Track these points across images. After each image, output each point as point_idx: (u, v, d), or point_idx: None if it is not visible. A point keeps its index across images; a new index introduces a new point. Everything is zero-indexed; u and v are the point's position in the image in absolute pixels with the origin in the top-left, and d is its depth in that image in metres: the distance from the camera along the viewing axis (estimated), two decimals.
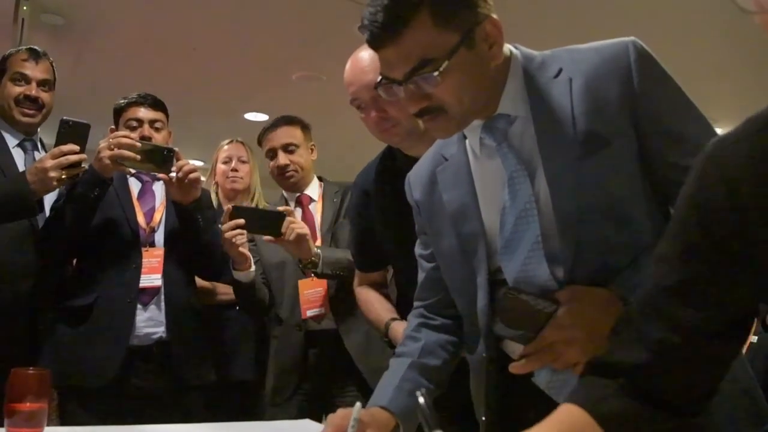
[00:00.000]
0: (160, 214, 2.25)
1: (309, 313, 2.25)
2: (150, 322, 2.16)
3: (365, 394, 2.10)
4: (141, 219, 2.22)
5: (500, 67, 1.06)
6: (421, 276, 1.33)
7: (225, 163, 2.82)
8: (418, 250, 1.32)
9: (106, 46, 4.58)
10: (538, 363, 1.04)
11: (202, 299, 2.43)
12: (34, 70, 2.22)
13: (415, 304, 1.34)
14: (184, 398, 2.22)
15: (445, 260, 1.22)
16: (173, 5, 3.99)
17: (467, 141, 1.16)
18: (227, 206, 2.14)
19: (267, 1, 3.91)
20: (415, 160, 1.39)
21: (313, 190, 2.44)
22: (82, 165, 1.99)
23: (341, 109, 2.39)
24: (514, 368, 1.05)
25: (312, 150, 2.45)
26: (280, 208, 2.13)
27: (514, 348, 1.10)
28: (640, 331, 0.78)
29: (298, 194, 2.39)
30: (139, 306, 2.13)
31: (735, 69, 4.50)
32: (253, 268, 2.21)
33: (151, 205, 2.26)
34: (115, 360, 2.05)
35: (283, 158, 2.34)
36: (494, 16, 1.04)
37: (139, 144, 2.04)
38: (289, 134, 2.37)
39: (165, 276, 2.17)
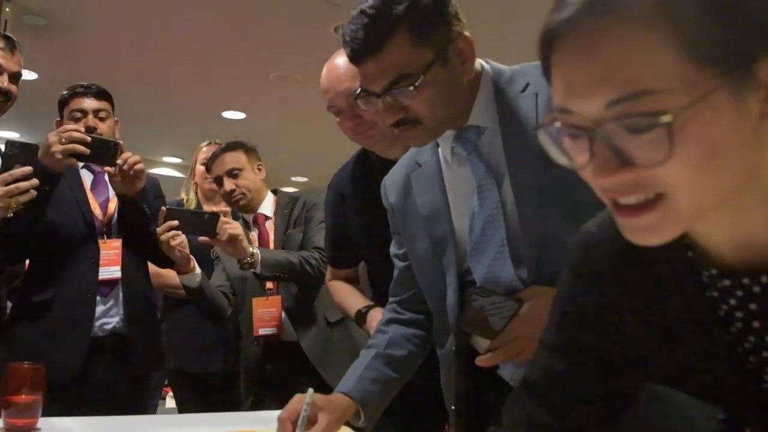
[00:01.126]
0: (114, 205, 2.23)
1: (261, 332, 2.31)
2: (109, 313, 2.15)
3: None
4: (97, 211, 2.21)
5: (471, 81, 1.14)
6: (395, 273, 1.40)
7: (204, 164, 2.88)
8: (392, 249, 1.39)
9: (88, 47, 4.59)
10: (503, 357, 1.12)
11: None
12: (8, 62, 2.12)
13: (389, 299, 1.41)
14: (143, 387, 2.25)
15: (417, 260, 1.30)
16: (153, 6, 4.01)
17: (440, 149, 1.23)
18: (162, 208, 2.15)
19: (245, 3, 3.94)
20: (388, 161, 1.46)
21: (267, 207, 2.49)
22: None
23: (317, 108, 2.44)
24: (481, 361, 1.13)
25: (260, 170, 2.49)
26: (214, 209, 2.18)
27: (480, 342, 1.19)
28: (526, 417, 0.85)
29: (252, 215, 2.45)
30: (98, 297, 2.13)
31: None
32: (198, 271, 2.22)
33: (105, 196, 2.25)
34: (79, 354, 2.05)
35: (228, 184, 2.40)
36: (467, 33, 1.12)
37: (89, 138, 1.99)
38: (233, 160, 2.43)
39: (122, 267, 2.16)
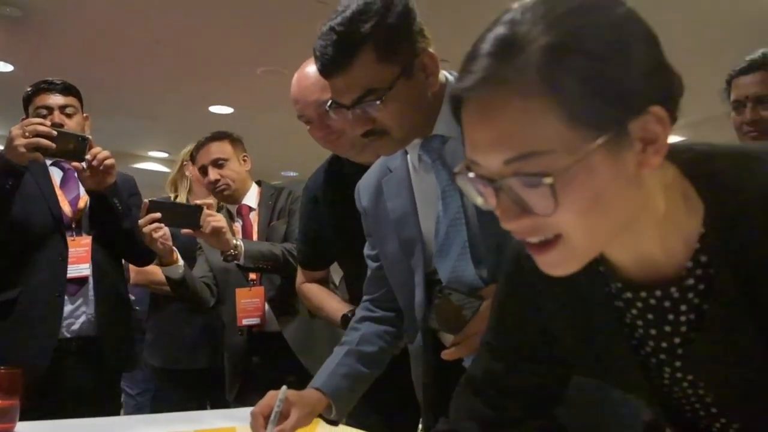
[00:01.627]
0: (84, 202, 2.19)
1: (245, 322, 2.34)
2: (77, 314, 2.12)
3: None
4: (66, 208, 2.16)
5: (436, 93, 1.20)
6: (368, 273, 1.47)
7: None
8: (366, 250, 1.46)
9: (65, 39, 4.54)
10: (466, 350, 1.19)
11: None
12: None
13: (363, 297, 1.49)
14: (113, 388, 2.24)
15: (388, 261, 1.37)
16: None
17: (409, 156, 1.31)
18: (145, 201, 2.15)
19: None
20: (360, 165, 1.52)
21: (251, 198, 2.51)
22: None
23: None
24: (446, 355, 1.21)
25: (245, 161, 2.51)
26: (198, 202, 2.20)
27: (446, 338, 1.27)
28: (470, 410, 0.95)
29: (237, 206, 2.48)
30: (66, 297, 2.09)
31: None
32: (180, 263, 2.23)
33: (76, 193, 2.19)
34: (46, 354, 2.00)
35: (213, 174, 2.42)
36: (431, 49, 1.19)
37: (54, 132, 1.95)
38: (218, 149, 2.44)
39: (93, 265, 2.13)
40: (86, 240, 2.14)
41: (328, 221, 1.79)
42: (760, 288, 0.70)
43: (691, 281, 0.74)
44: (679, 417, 0.85)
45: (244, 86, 5.44)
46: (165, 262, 2.20)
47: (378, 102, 1.12)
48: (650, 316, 0.78)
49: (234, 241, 2.18)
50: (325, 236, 1.82)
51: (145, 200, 2.13)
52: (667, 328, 0.77)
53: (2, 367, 1.34)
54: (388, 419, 1.64)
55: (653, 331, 0.78)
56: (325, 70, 1.15)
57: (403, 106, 1.15)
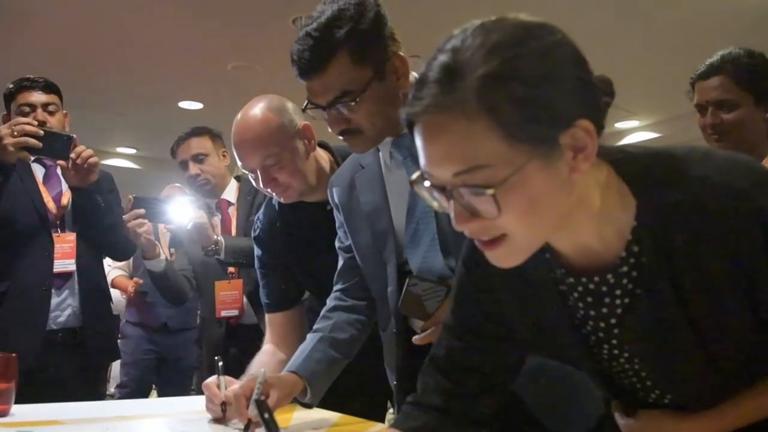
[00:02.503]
0: (67, 198, 2.24)
1: (224, 314, 2.40)
2: (63, 306, 2.18)
3: None
4: (50, 204, 2.21)
5: (406, 94, 1.28)
6: (339, 264, 1.54)
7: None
8: (337, 243, 1.53)
9: (37, 35, 4.50)
10: (435, 335, 1.26)
11: None
12: None
13: (334, 288, 1.55)
14: (97, 378, 2.30)
15: (360, 252, 1.44)
16: None
17: (380, 153, 1.38)
18: (129, 196, 2.21)
19: None
20: (295, 209, 1.61)
21: (230, 193, 2.56)
22: None
23: None
24: (417, 340, 1.29)
25: (224, 156, 2.57)
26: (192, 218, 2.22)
27: (417, 324, 1.34)
28: (434, 384, 1.02)
29: (216, 200, 2.53)
30: (53, 290, 2.15)
31: (649, 65, 4.83)
32: (162, 256, 2.32)
33: (58, 189, 2.25)
34: (34, 347, 2.05)
35: (193, 168, 2.48)
36: (401, 53, 1.26)
37: (41, 132, 2.01)
38: (198, 145, 2.51)
39: (77, 260, 2.19)
40: (71, 236, 2.21)
41: (287, 247, 1.69)
42: (684, 275, 0.80)
43: (625, 269, 0.83)
44: (620, 389, 0.95)
45: (214, 82, 5.43)
46: (148, 256, 2.29)
47: (352, 103, 1.20)
48: (589, 299, 0.87)
49: (215, 237, 2.23)
50: (285, 269, 1.71)
51: (129, 196, 2.19)
52: (604, 310, 0.87)
53: None
54: (359, 402, 1.71)
55: (592, 313, 0.88)
56: (302, 73, 1.22)
57: (376, 107, 1.22)
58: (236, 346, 2.43)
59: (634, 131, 6.55)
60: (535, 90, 0.72)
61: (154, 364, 3.45)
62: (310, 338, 1.47)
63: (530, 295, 0.91)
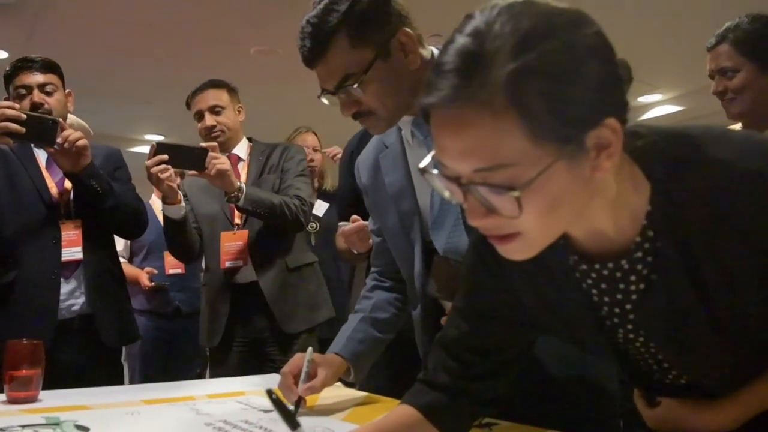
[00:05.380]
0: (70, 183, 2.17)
1: (228, 264, 2.42)
2: (72, 295, 2.14)
3: (280, 340, 2.37)
4: (53, 189, 2.16)
5: (420, 69, 1.22)
6: (373, 247, 1.53)
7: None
8: (370, 225, 1.52)
9: (59, 24, 4.54)
10: None
11: None
12: None
13: (371, 269, 1.55)
14: (114, 363, 2.29)
15: (389, 234, 1.43)
16: None
17: (402, 132, 1.34)
18: (153, 143, 2.22)
19: None
20: None
21: (242, 149, 2.57)
22: None
23: (296, 81, 2.44)
24: (444, 321, 1.25)
25: (240, 111, 2.57)
26: (203, 144, 2.26)
27: (446, 304, 1.31)
28: (442, 364, 1.01)
29: (227, 154, 2.51)
30: (62, 279, 2.11)
31: (671, 37, 4.71)
32: (183, 203, 2.33)
33: (61, 174, 2.16)
34: (46, 336, 1.93)
35: (209, 119, 2.48)
36: (406, 28, 1.20)
37: (24, 116, 1.91)
38: (216, 96, 2.50)
39: (83, 246, 2.14)
40: (77, 224, 2.16)
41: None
42: (699, 259, 0.78)
43: (639, 254, 0.81)
44: (637, 371, 0.93)
45: (238, 66, 5.42)
46: (169, 202, 2.29)
47: (356, 86, 1.17)
48: (603, 286, 0.85)
49: (237, 184, 2.26)
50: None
51: (153, 142, 2.19)
52: (619, 296, 0.85)
53: (25, 340, 1.40)
54: (397, 381, 1.69)
55: (606, 299, 0.86)
56: (306, 62, 1.21)
57: (383, 87, 1.19)
58: (233, 304, 2.44)
59: (657, 105, 6.41)
60: (567, 87, 0.68)
61: (164, 352, 3.47)
62: (352, 318, 1.48)
63: (544, 278, 0.89)
